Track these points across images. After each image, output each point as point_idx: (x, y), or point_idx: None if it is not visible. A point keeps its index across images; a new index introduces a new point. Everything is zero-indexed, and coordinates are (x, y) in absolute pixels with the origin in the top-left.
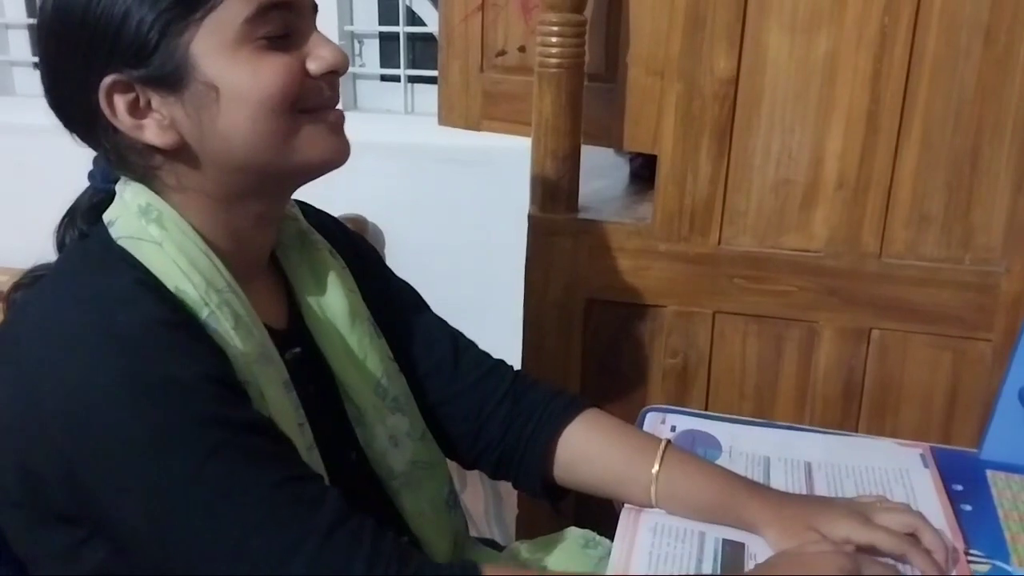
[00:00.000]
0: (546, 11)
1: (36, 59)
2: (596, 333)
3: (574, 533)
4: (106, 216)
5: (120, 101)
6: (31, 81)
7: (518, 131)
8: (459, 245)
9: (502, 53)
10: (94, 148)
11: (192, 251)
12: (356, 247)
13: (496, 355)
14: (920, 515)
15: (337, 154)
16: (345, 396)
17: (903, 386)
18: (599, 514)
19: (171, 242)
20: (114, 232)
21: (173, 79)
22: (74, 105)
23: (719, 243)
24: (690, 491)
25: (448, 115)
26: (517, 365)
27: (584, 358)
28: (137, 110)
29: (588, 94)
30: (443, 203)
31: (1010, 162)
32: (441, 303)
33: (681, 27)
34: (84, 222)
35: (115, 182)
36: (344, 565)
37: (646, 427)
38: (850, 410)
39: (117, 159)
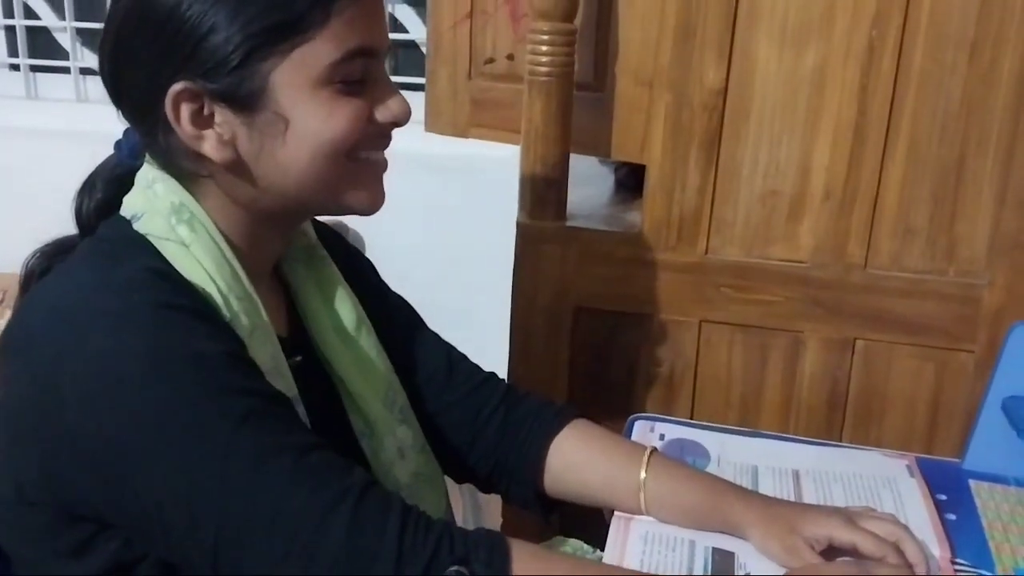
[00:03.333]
0: (536, 19)
1: (105, 30)
2: (583, 341)
3: (562, 543)
4: (129, 208)
5: (186, 109)
6: (9, 84)
7: (506, 139)
8: (445, 252)
9: (490, 61)
10: (140, 133)
11: (218, 257)
12: (354, 261)
13: (483, 361)
14: (905, 527)
15: (376, 205)
16: (353, 407)
17: (887, 396)
18: (585, 525)
19: (199, 245)
20: (140, 227)
21: (246, 101)
22: (136, 95)
23: (706, 252)
24: (677, 495)
25: (435, 122)
26: (504, 372)
27: (571, 365)
28: (200, 119)
29: (576, 103)
30: (429, 210)
31: (994, 176)
32: (427, 310)
33: (671, 38)
34: (103, 192)
35: (140, 157)
36: (380, 523)
37: (635, 435)
38: (834, 419)
39: (164, 155)
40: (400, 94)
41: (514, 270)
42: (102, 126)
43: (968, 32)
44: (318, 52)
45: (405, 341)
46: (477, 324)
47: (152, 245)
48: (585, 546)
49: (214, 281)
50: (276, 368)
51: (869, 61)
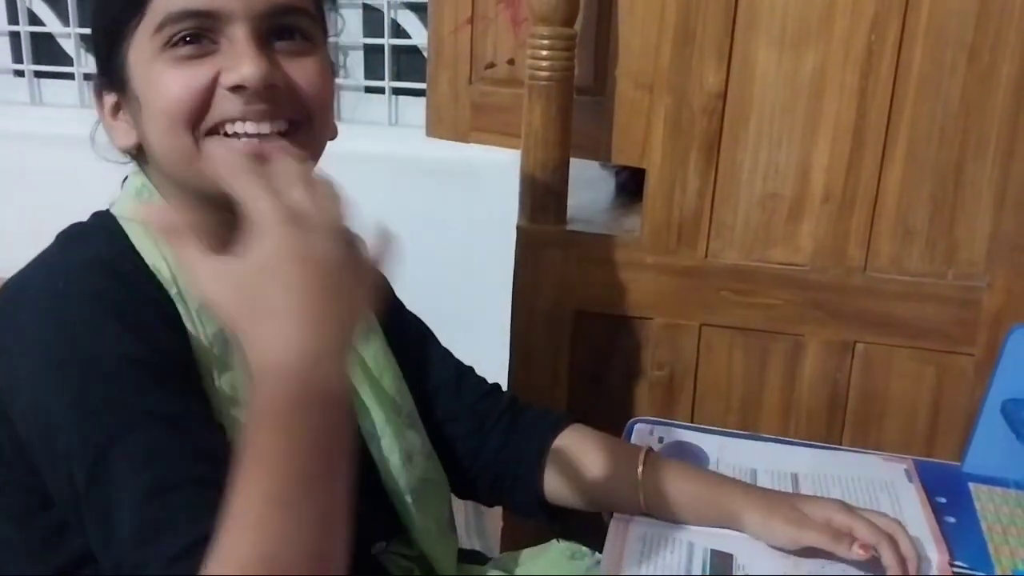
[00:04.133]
0: (537, 24)
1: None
2: (584, 344)
3: (559, 546)
4: (113, 197)
5: (107, 100)
6: (14, 89)
7: (506, 143)
8: (445, 256)
9: (491, 65)
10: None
11: None
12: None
13: (483, 365)
14: (902, 525)
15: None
16: (361, 412)
17: (887, 399)
18: (583, 527)
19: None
20: (114, 210)
21: (119, 87)
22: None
23: (706, 256)
24: (675, 490)
25: (436, 127)
26: (504, 376)
27: (572, 369)
28: (114, 111)
29: (577, 107)
30: (430, 214)
31: (993, 178)
32: (427, 314)
33: (671, 41)
34: None
35: None
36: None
37: (634, 439)
38: (834, 422)
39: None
40: (258, 57)
41: (514, 274)
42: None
43: (967, 35)
44: (150, 23)
45: (416, 353)
46: (477, 328)
47: (121, 229)
48: (583, 548)
49: (164, 257)
50: (226, 342)
51: (868, 64)
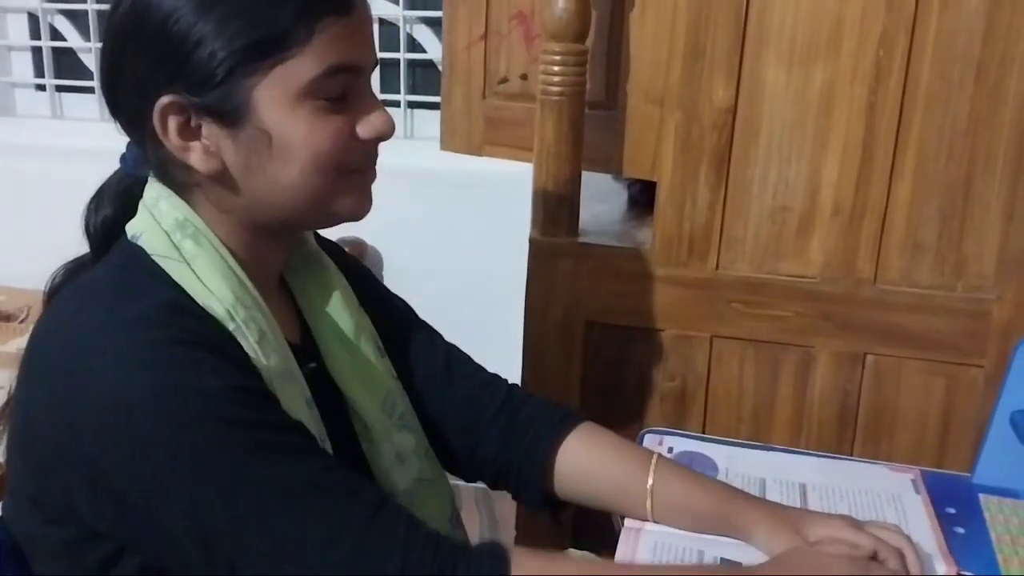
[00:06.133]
0: (548, 41)
1: (103, 44)
2: (596, 355)
3: (574, 555)
4: (133, 228)
5: (173, 121)
6: (36, 103)
7: (519, 156)
8: (459, 268)
9: (504, 80)
10: (134, 143)
11: (223, 268)
12: (352, 269)
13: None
14: (909, 539)
15: (363, 212)
16: (352, 413)
17: (897, 411)
18: (597, 532)
19: (204, 259)
20: (147, 247)
21: (229, 116)
22: (127, 105)
23: (717, 268)
24: (685, 501)
25: (450, 140)
26: None
27: (583, 380)
28: (187, 131)
29: (589, 121)
30: (443, 226)
31: (1001, 192)
32: (441, 326)
33: (681, 57)
34: (111, 206)
35: (145, 167)
36: (384, 550)
37: None
38: (845, 434)
39: (158, 167)
40: (383, 109)
41: (527, 285)
42: (125, 145)
43: (974, 50)
44: (299, 69)
45: (401, 342)
46: (489, 338)
47: (165, 272)
48: (598, 558)
49: (216, 294)
50: (288, 372)
51: (876, 80)
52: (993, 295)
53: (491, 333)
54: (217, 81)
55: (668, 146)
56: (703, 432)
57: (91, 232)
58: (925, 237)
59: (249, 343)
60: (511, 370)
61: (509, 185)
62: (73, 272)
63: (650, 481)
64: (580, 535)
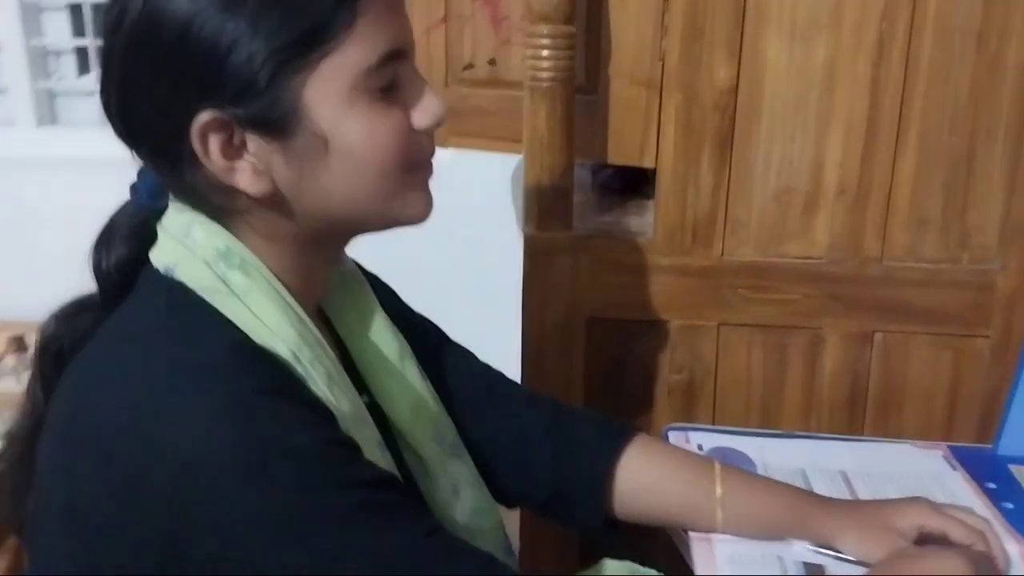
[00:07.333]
0: (536, 23)
1: (105, 63)
2: (598, 352)
3: (613, 564)
4: (164, 259)
5: (215, 140)
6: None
7: (489, 147)
8: (436, 267)
9: (469, 66)
10: (161, 172)
11: (280, 303)
12: (379, 287)
13: None
14: (989, 522)
15: (428, 212)
16: (405, 445)
17: (906, 387)
18: (604, 543)
19: (258, 292)
20: (188, 281)
21: (279, 125)
22: (148, 132)
23: (722, 254)
24: (757, 509)
25: None
26: None
27: (587, 378)
28: (231, 150)
29: None
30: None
31: (1003, 164)
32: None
33: (679, 37)
34: (125, 245)
35: (162, 198)
36: None
37: None
38: (856, 414)
39: (191, 194)
40: (434, 91)
41: (523, 284)
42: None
43: (974, 22)
44: (349, 59)
45: (437, 364)
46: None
47: (217, 310)
48: (640, 568)
49: (278, 334)
50: (360, 416)
51: (879, 54)
52: (997, 266)
53: (482, 333)
54: (261, 87)
55: (668, 131)
56: (713, 423)
57: (103, 275)
58: (930, 212)
59: (319, 387)
60: (512, 370)
61: (481, 178)
62: (71, 321)
63: (719, 491)
64: (591, 547)
